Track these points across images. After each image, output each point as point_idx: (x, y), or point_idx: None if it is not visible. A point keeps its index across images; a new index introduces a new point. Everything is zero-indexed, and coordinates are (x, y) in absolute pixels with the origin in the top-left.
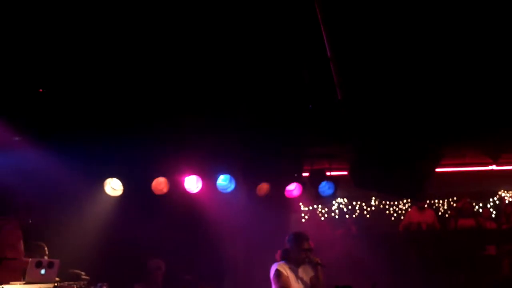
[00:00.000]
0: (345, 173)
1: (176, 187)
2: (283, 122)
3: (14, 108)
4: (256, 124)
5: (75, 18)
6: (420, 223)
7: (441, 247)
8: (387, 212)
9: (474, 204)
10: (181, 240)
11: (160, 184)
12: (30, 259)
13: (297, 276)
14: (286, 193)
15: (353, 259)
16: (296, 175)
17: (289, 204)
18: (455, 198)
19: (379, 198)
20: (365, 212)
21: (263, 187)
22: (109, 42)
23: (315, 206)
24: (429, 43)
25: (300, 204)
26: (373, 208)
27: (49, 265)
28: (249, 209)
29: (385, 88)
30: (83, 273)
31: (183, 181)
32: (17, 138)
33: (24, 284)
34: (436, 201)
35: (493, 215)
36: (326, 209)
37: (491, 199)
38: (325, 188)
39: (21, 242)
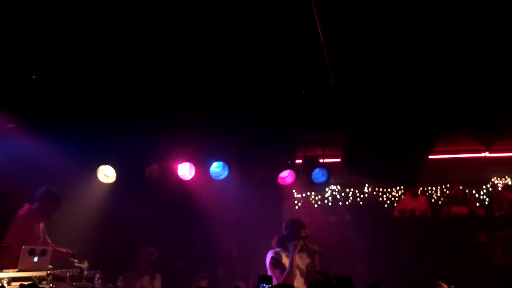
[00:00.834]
0: (338, 160)
1: (169, 174)
2: (276, 109)
3: (7, 95)
4: (249, 111)
5: (69, 5)
6: (414, 210)
7: (434, 234)
8: (380, 199)
9: (467, 191)
10: (174, 227)
11: (153, 170)
12: (23, 247)
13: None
14: (279, 180)
15: (346, 246)
16: (289, 162)
17: (282, 191)
18: (448, 185)
19: (372, 185)
20: (358, 199)
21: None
22: (102, 30)
23: (308, 193)
24: (422, 29)
25: (293, 191)
26: (366, 195)
27: (42, 253)
28: (242, 196)
29: (378, 74)
30: (76, 260)
31: (176, 168)
32: (10, 125)
33: (17, 271)
34: (429, 188)
35: (486, 202)
36: (319, 196)
37: (484, 186)
38: (318, 175)
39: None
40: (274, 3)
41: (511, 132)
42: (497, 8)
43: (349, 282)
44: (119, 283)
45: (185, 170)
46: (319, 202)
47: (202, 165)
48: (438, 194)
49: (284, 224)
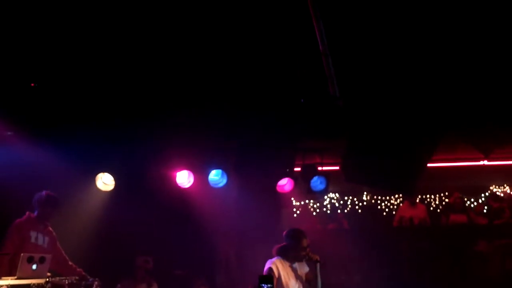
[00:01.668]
0: (337, 168)
1: (168, 182)
2: (275, 117)
3: (6, 102)
4: (247, 119)
5: (68, 13)
6: (412, 218)
7: (433, 242)
8: (379, 207)
9: (465, 199)
10: (173, 235)
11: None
12: (22, 254)
13: (293, 273)
14: (278, 188)
15: (345, 254)
16: (287, 170)
17: (281, 199)
18: (446, 193)
19: (371, 193)
20: (356, 207)
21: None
22: (101, 38)
23: (306, 201)
24: (421, 38)
25: (292, 199)
26: (364, 203)
27: (41, 260)
28: (241, 203)
29: (377, 83)
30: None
31: (175, 176)
32: (8, 133)
33: (16, 279)
34: (428, 196)
35: (485, 210)
36: (318, 204)
37: (482, 194)
38: (317, 183)
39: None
40: (273, 11)
41: (510, 140)
42: (497, 18)
43: None
44: None
45: (184, 178)
46: (318, 210)
47: (200, 173)
48: (437, 202)
49: (285, 233)
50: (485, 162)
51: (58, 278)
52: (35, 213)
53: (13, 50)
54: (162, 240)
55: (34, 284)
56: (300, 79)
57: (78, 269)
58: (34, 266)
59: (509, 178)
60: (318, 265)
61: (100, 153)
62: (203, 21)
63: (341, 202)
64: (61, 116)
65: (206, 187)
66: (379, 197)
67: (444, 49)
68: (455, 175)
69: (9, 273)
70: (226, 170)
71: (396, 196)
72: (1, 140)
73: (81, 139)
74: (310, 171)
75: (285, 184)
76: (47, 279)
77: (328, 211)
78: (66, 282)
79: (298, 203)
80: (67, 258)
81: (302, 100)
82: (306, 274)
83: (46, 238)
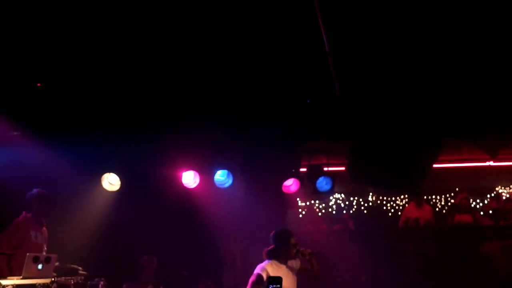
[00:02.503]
0: (343, 168)
1: (173, 183)
2: (281, 117)
3: (13, 103)
4: (253, 119)
5: (75, 15)
6: (418, 219)
7: (438, 243)
8: (385, 207)
9: (471, 200)
10: (179, 235)
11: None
12: (28, 254)
13: (289, 272)
14: (283, 189)
15: (350, 254)
16: (293, 170)
17: (287, 200)
18: (452, 194)
19: (377, 193)
20: (362, 208)
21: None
22: (107, 38)
23: (312, 201)
24: (427, 39)
25: (298, 199)
26: (370, 203)
27: (46, 260)
28: (246, 204)
29: (383, 83)
30: (80, 268)
31: (181, 176)
32: (15, 133)
33: (21, 279)
34: (434, 196)
35: (491, 212)
36: (324, 205)
37: (488, 195)
38: (322, 183)
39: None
40: (279, 12)
41: None
42: (501, 19)
43: None
44: None
45: (190, 178)
46: (323, 211)
47: (206, 173)
48: (443, 203)
49: (272, 235)
50: (491, 163)
51: (63, 278)
52: (31, 212)
53: (19, 51)
54: (167, 240)
55: (39, 284)
56: (306, 80)
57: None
58: (39, 266)
59: None
60: (313, 257)
61: (106, 153)
62: (211, 23)
63: (347, 202)
64: (67, 117)
65: (212, 187)
66: (385, 198)
67: (449, 51)
68: (461, 176)
69: (9, 273)
70: (232, 170)
71: (402, 197)
72: (8, 141)
73: (87, 140)
74: (316, 172)
75: (291, 185)
76: (53, 279)
77: (334, 212)
78: (72, 282)
79: (303, 204)
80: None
81: (308, 101)
82: (299, 271)
83: (43, 237)
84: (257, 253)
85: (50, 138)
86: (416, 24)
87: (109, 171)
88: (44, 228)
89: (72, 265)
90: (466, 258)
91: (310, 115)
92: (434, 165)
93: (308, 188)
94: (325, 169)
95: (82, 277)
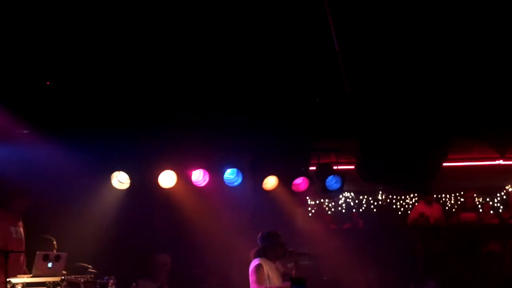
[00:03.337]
0: (352, 167)
1: (183, 181)
2: (290, 116)
3: (22, 101)
4: (263, 118)
5: (84, 13)
6: (428, 217)
7: (447, 242)
8: (394, 206)
9: (480, 198)
10: (188, 234)
11: (167, 177)
12: (38, 252)
13: (276, 271)
14: (293, 187)
15: (360, 253)
16: (303, 169)
17: (296, 198)
18: (462, 193)
19: (386, 192)
20: (372, 206)
21: (269, 181)
22: (117, 37)
23: (321, 200)
24: (437, 37)
25: (307, 198)
26: (380, 202)
27: (56, 258)
28: (255, 203)
29: (393, 81)
30: (90, 266)
31: (190, 174)
32: (25, 131)
33: (31, 277)
34: (443, 195)
35: (500, 210)
36: (333, 203)
37: (498, 194)
38: (332, 182)
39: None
40: (289, 12)
41: None
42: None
43: None
44: None
45: (199, 177)
46: (333, 209)
47: (216, 172)
48: (452, 202)
49: (259, 236)
50: (501, 162)
51: (73, 276)
52: (5, 206)
53: (29, 50)
54: (177, 238)
55: (49, 282)
56: (315, 79)
57: None
58: (49, 264)
59: None
60: (299, 258)
61: (116, 151)
62: (222, 22)
63: (356, 201)
64: (77, 115)
65: (221, 186)
66: (395, 197)
67: (460, 49)
68: (470, 174)
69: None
70: (241, 169)
71: (412, 195)
72: (18, 139)
73: (97, 138)
74: (325, 170)
75: (301, 183)
76: (63, 277)
77: (343, 210)
78: (82, 280)
79: (313, 202)
80: None
81: (317, 100)
82: (288, 270)
83: (21, 233)
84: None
85: (60, 136)
86: (426, 23)
87: (119, 169)
88: (21, 223)
89: (82, 264)
90: (474, 257)
91: (320, 113)
92: (444, 164)
93: (318, 187)
94: (335, 167)
95: (92, 275)
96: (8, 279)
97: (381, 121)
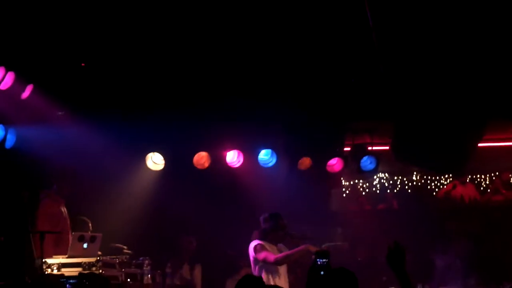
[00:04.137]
0: (387, 147)
1: (217, 162)
2: (325, 96)
3: (57, 83)
4: (298, 98)
5: None
6: (463, 196)
7: (481, 222)
8: (429, 187)
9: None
10: (223, 215)
11: (201, 158)
12: (73, 233)
13: (278, 254)
14: (327, 168)
15: (394, 234)
16: (337, 149)
17: (330, 179)
18: (497, 173)
19: (421, 173)
20: (406, 187)
21: (305, 161)
22: (151, 18)
23: (356, 180)
24: (473, 16)
25: (341, 179)
26: (414, 183)
27: (92, 239)
28: (290, 183)
29: (428, 61)
30: (125, 247)
31: (225, 155)
32: (60, 113)
33: (67, 258)
34: (478, 176)
35: None
36: (367, 184)
37: None
38: (366, 162)
39: (63, 215)
40: None
41: None
42: None
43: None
44: (167, 270)
45: (234, 158)
46: (367, 190)
47: (250, 153)
48: (487, 182)
49: (262, 218)
50: None
51: (108, 257)
52: (53, 189)
53: (64, 31)
54: (211, 219)
55: (85, 262)
56: (351, 59)
57: None
58: (85, 245)
59: None
60: (300, 241)
61: (151, 132)
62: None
63: (391, 182)
64: (112, 96)
65: (255, 167)
66: (429, 177)
67: (498, 29)
68: (506, 154)
69: (55, 252)
70: (275, 149)
71: (446, 176)
72: (53, 120)
73: (132, 119)
74: (360, 151)
75: (335, 164)
76: (98, 258)
77: (378, 191)
78: (117, 261)
79: (347, 183)
80: None
81: (352, 80)
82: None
83: (66, 212)
84: (299, 232)
85: (95, 118)
86: (462, 2)
87: (154, 150)
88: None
89: (117, 244)
90: (508, 237)
91: (355, 94)
92: (479, 144)
93: (352, 168)
94: (369, 148)
95: (127, 256)
96: (44, 260)
97: (416, 101)
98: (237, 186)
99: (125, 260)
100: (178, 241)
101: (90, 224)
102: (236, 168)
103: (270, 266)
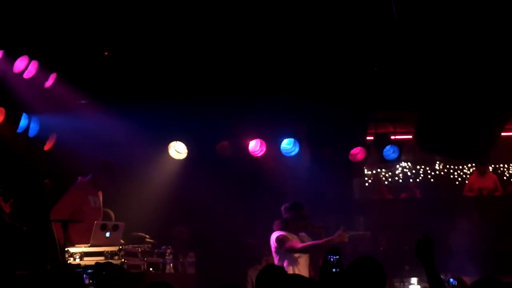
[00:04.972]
0: (410, 137)
1: (240, 151)
2: (348, 86)
3: (80, 72)
4: (321, 88)
5: None
6: (481, 189)
7: (503, 211)
8: (451, 176)
9: None
10: (245, 203)
11: (225, 147)
12: (96, 222)
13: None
14: (350, 157)
15: (417, 223)
16: (360, 139)
17: (353, 168)
18: None
19: (444, 162)
20: (429, 176)
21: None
22: (177, 6)
23: (378, 170)
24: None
25: (364, 168)
26: (437, 172)
27: (114, 228)
28: (312, 172)
29: (451, 51)
30: (147, 236)
31: (247, 144)
32: (83, 101)
33: (89, 246)
34: (501, 165)
35: None
36: (390, 173)
37: None
38: (389, 152)
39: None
40: None
41: None
42: None
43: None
44: (189, 259)
45: (256, 147)
46: (390, 179)
47: (273, 142)
48: (511, 172)
49: (283, 207)
50: None
51: (131, 246)
52: (88, 178)
53: (88, 20)
54: (234, 208)
55: (107, 251)
56: (374, 48)
57: None
58: (107, 234)
59: None
60: (323, 230)
61: (173, 121)
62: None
63: (413, 171)
64: (135, 85)
65: (278, 156)
66: (452, 166)
67: None
68: None
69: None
70: (298, 139)
71: (469, 165)
72: (76, 109)
73: (155, 108)
74: (383, 140)
75: (358, 153)
76: (120, 247)
77: (400, 180)
78: (139, 250)
79: (370, 172)
80: None
81: (375, 69)
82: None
83: (100, 201)
84: (322, 221)
85: (117, 107)
86: None
87: (176, 139)
88: (100, 192)
89: (140, 233)
90: None
91: (377, 83)
92: (503, 134)
93: (375, 157)
94: (392, 137)
95: (150, 245)
96: (66, 248)
97: (439, 90)
98: (260, 175)
99: (147, 249)
100: (171, 232)
101: (112, 214)
102: (259, 157)
103: (292, 256)
